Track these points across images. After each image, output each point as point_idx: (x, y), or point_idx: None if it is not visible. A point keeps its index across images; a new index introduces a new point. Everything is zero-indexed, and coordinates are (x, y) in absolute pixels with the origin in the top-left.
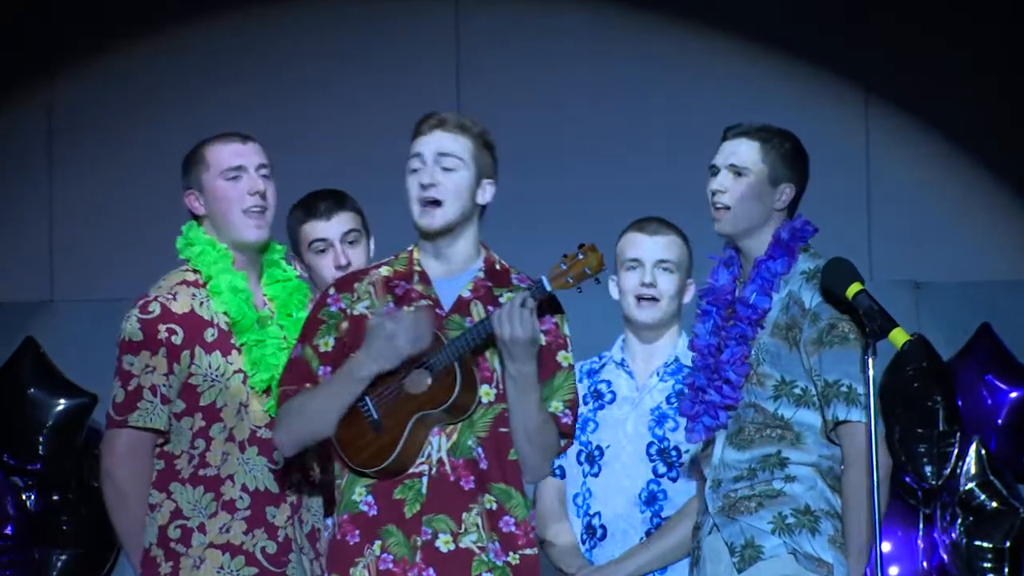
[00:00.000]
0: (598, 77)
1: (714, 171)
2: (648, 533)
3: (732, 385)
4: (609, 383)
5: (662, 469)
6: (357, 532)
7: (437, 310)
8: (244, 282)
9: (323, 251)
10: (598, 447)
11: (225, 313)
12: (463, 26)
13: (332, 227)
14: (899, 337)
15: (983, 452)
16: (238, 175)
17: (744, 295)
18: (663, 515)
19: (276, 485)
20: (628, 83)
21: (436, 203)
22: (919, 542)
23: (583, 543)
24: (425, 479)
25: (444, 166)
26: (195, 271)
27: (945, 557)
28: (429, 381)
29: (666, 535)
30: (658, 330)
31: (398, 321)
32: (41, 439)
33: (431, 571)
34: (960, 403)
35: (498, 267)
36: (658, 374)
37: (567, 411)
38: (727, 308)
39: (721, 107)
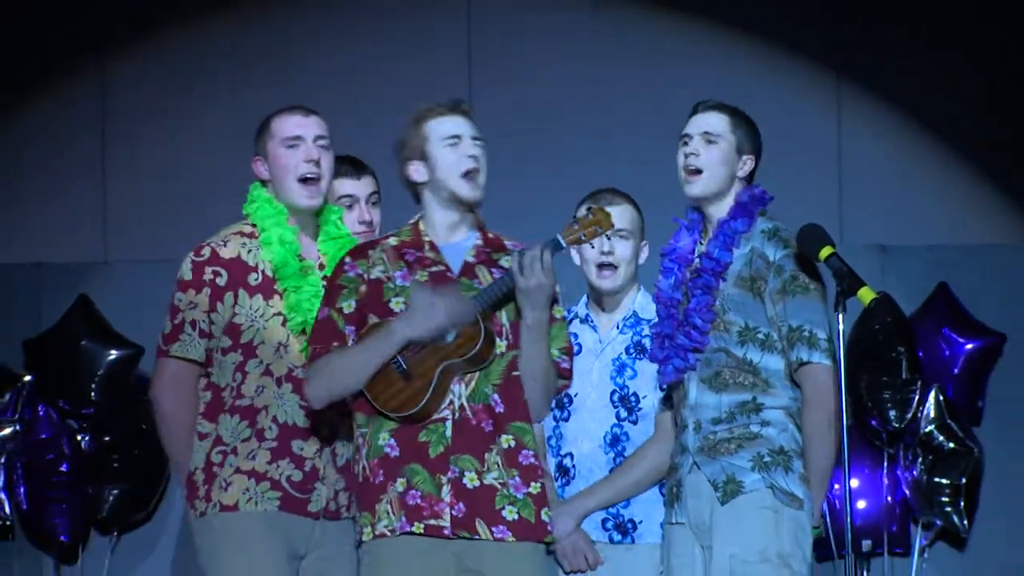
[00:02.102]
0: (591, 64)
1: (686, 139)
2: (611, 471)
3: (699, 330)
4: (576, 336)
5: (624, 414)
6: (382, 472)
7: (448, 274)
8: (293, 235)
9: (350, 206)
10: (567, 395)
11: (270, 261)
12: (475, 6)
13: (361, 186)
14: (866, 295)
15: (941, 398)
16: (296, 144)
17: (708, 251)
18: (625, 455)
19: (306, 421)
20: (617, 66)
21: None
22: (884, 479)
23: (556, 481)
24: (449, 423)
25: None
26: (251, 224)
27: (908, 492)
28: (454, 333)
29: (625, 473)
30: (617, 296)
31: (443, 296)
32: (94, 386)
33: (461, 505)
34: (921, 354)
35: (491, 235)
36: (618, 327)
37: (564, 356)
38: (688, 265)
39: (708, 87)
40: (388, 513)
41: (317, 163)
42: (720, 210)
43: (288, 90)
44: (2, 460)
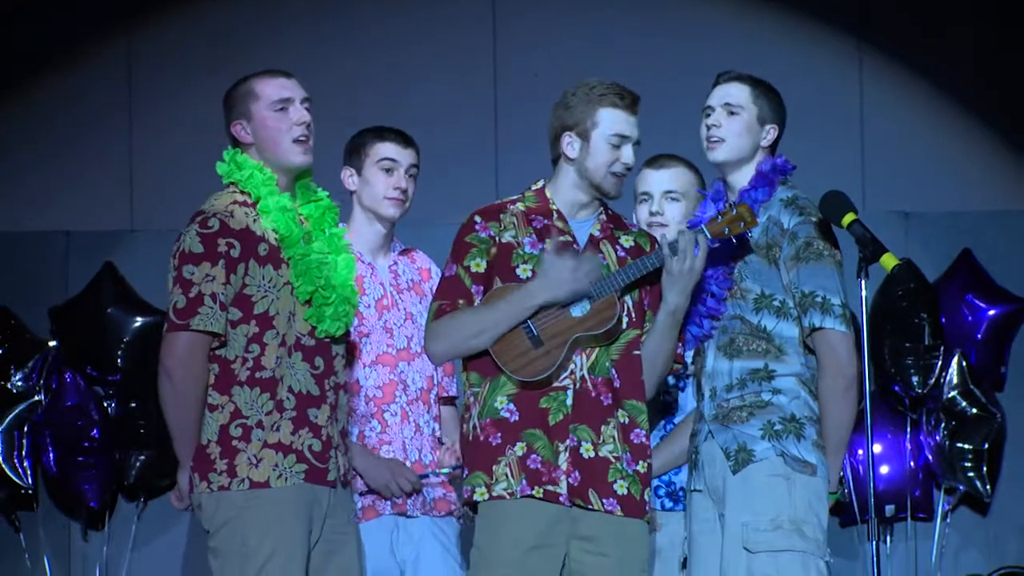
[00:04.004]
0: (614, 35)
1: (709, 111)
2: (661, 438)
3: (716, 297)
4: None
5: (671, 381)
6: (499, 434)
7: (575, 246)
8: (291, 202)
9: (389, 170)
10: None
11: (274, 230)
12: None
13: (405, 154)
14: (889, 261)
15: (964, 364)
16: (286, 106)
17: None
18: (674, 422)
19: (317, 388)
20: (641, 37)
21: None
22: (907, 444)
23: None
24: (570, 392)
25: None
26: (243, 192)
27: (930, 457)
28: (589, 307)
29: (674, 441)
30: None
31: (582, 262)
32: (120, 353)
33: (577, 474)
34: (944, 320)
35: (611, 212)
36: None
37: (679, 343)
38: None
39: (730, 55)
40: (508, 476)
41: (308, 125)
42: (742, 179)
43: (315, 61)
44: (25, 428)
